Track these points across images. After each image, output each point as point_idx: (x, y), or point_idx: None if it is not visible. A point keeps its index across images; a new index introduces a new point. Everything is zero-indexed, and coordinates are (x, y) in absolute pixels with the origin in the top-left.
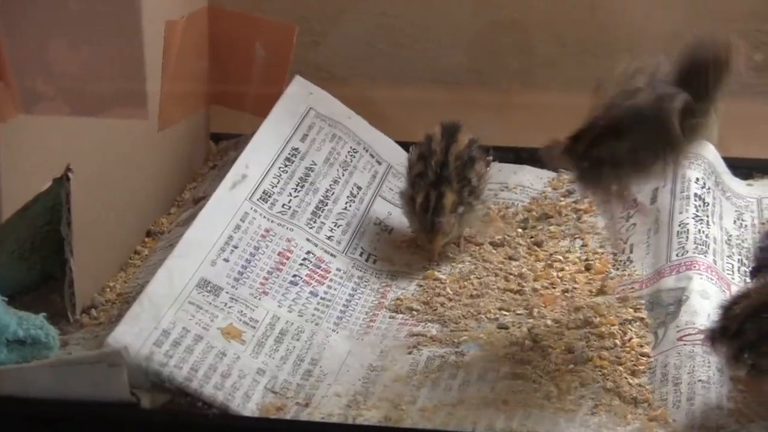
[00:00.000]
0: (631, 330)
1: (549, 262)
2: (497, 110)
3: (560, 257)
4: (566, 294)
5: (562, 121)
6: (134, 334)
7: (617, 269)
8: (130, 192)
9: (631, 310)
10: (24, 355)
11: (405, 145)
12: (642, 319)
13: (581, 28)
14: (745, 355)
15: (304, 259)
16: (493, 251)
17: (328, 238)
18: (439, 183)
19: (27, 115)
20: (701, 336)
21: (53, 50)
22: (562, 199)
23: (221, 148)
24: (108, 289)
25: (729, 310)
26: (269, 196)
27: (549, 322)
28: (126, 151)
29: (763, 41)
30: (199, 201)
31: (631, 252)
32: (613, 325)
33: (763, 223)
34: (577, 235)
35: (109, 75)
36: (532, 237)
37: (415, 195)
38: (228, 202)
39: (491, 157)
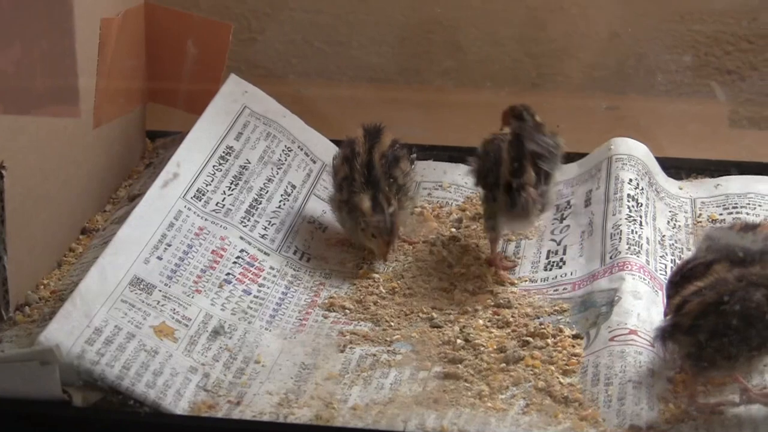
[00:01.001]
0: (563, 331)
1: (482, 262)
2: (431, 108)
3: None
4: (498, 294)
5: (495, 119)
6: (66, 332)
7: (550, 270)
8: (66, 189)
9: (563, 310)
10: None
11: (339, 144)
12: (571, 322)
13: (515, 26)
14: (699, 350)
15: (238, 257)
16: (427, 250)
17: (262, 236)
18: (373, 186)
19: None
20: (632, 336)
21: None
22: None
23: (157, 145)
24: (42, 287)
25: (680, 307)
26: (203, 195)
27: (480, 321)
28: (61, 148)
29: (695, 41)
30: (135, 198)
31: (564, 254)
32: (545, 326)
33: (696, 224)
34: (509, 237)
35: (41, 73)
36: (465, 237)
37: (348, 199)
38: (161, 200)
39: (414, 155)
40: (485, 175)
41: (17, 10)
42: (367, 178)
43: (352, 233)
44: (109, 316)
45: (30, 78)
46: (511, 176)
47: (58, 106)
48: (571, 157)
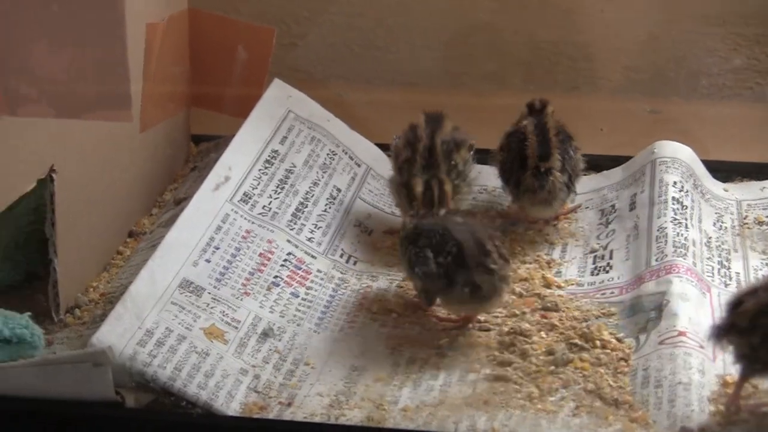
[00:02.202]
0: (611, 334)
1: (528, 265)
2: (473, 112)
3: (539, 261)
4: (545, 297)
5: None
6: (118, 334)
7: (597, 275)
8: (113, 193)
9: (611, 314)
10: (9, 354)
11: (383, 147)
12: (620, 325)
13: (555, 30)
14: (753, 351)
15: (285, 260)
16: None
17: (309, 239)
18: (431, 170)
19: (11, 117)
20: (681, 338)
21: (38, 52)
22: None
23: (201, 149)
24: (91, 289)
25: (737, 306)
26: (249, 198)
27: (528, 324)
28: (109, 153)
29: (740, 44)
30: (180, 202)
31: (611, 258)
32: (593, 330)
33: (743, 225)
34: (555, 241)
35: (93, 77)
36: (511, 241)
37: (408, 182)
38: (209, 204)
39: (474, 143)
40: (510, 165)
41: (69, 16)
42: (428, 161)
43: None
44: (160, 318)
45: (82, 82)
46: (539, 160)
47: (109, 111)
48: (614, 161)
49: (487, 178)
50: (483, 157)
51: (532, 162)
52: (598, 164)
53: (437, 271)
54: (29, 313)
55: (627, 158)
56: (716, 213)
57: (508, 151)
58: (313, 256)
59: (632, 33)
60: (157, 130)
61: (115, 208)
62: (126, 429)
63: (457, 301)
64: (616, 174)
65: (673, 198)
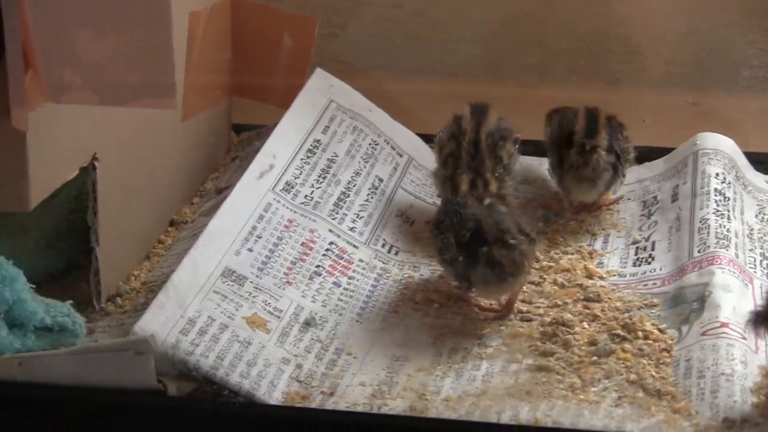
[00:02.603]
0: (654, 325)
1: (570, 256)
2: (515, 103)
3: (581, 252)
4: (587, 288)
5: None
6: (160, 322)
7: (639, 266)
8: (155, 182)
9: (653, 305)
10: (51, 342)
11: (424, 138)
12: (662, 316)
13: (597, 21)
14: None
15: (327, 249)
16: None
17: (351, 229)
18: (476, 166)
19: (55, 104)
20: (724, 329)
21: (82, 39)
22: None
23: (242, 138)
24: (133, 278)
25: None
26: (292, 187)
27: (570, 315)
28: (151, 141)
29: None
30: (222, 191)
31: (653, 249)
32: (636, 320)
33: None
34: (596, 232)
35: (138, 65)
36: (553, 231)
37: (453, 176)
38: (252, 192)
39: (519, 135)
40: (558, 140)
41: (115, 2)
42: (473, 156)
43: None
44: (202, 307)
45: (127, 70)
46: (585, 137)
47: (154, 98)
48: (656, 152)
49: (530, 170)
50: (527, 148)
51: (579, 139)
52: (640, 155)
53: (458, 251)
54: (71, 302)
55: (669, 150)
56: (758, 205)
57: (557, 125)
58: (355, 246)
59: (673, 25)
60: (199, 119)
61: (157, 197)
62: (168, 417)
63: (482, 282)
64: (658, 165)
65: (716, 189)
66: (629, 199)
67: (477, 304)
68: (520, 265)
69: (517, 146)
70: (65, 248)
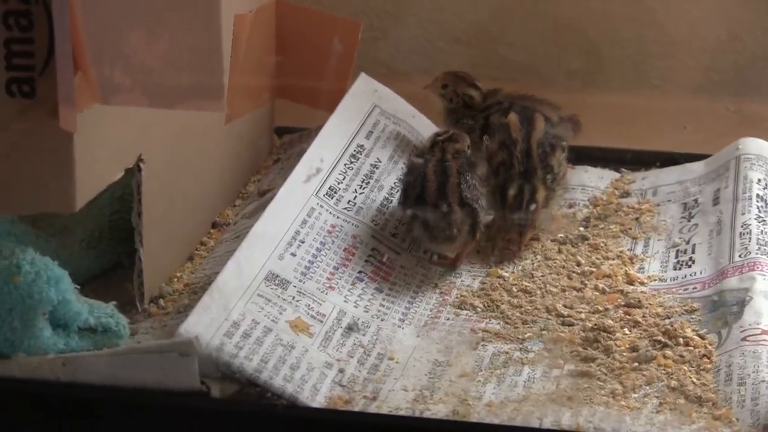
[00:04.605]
0: (694, 330)
1: (611, 261)
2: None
3: (621, 257)
4: (628, 294)
5: (622, 120)
6: (205, 324)
7: (679, 269)
8: (198, 183)
9: (693, 310)
10: (95, 343)
11: None
12: (702, 321)
13: (637, 27)
14: None
15: (370, 255)
16: (556, 249)
17: (393, 235)
18: (529, 175)
19: (103, 105)
20: (764, 336)
21: (131, 40)
22: (622, 199)
23: (284, 141)
24: (175, 279)
25: None
26: (335, 192)
27: (611, 321)
28: (195, 143)
29: None
30: (264, 194)
31: (693, 252)
32: (677, 326)
33: None
34: (637, 235)
35: (187, 67)
36: (594, 236)
37: (504, 185)
38: (296, 197)
39: (566, 143)
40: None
41: (165, 4)
42: (525, 166)
43: (499, 219)
44: (246, 310)
45: (175, 72)
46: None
47: (202, 100)
48: (697, 159)
49: (570, 175)
50: (568, 154)
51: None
52: (680, 162)
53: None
54: (114, 302)
55: (709, 156)
56: None
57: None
58: (397, 252)
59: (714, 32)
60: (243, 122)
61: (200, 199)
62: (212, 419)
63: (422, 238)
64: (698, 168)
65: (758, 195)
66: (669, 200)
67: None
68: (452, 230)
69: (565, 153)
70: (108, 249)
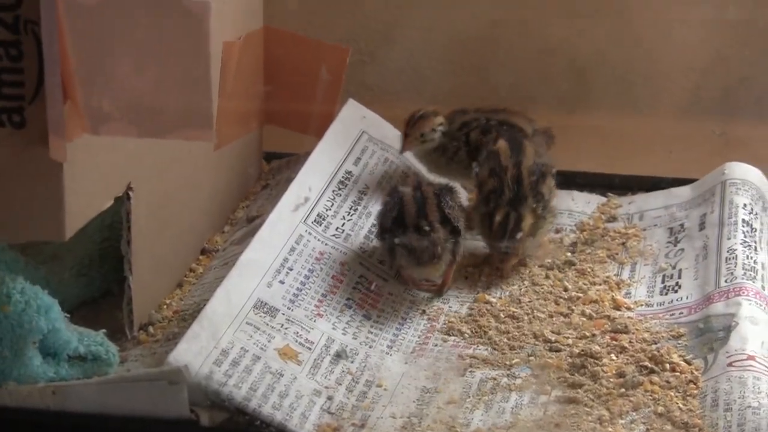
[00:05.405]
0: (681, 356)
1: (598, 286)
2: None
3: (608, 282)
4: (615, 320)
5: (609, 144)
6: (194, 352)
7: (666, 294)
8: (187, 211)
9: (680, 335)
10: (85, 371)
11: None
12: (689, 346)
13: (624, 50)
14: None
15: (357, 282)
16: (543, 275)
17: (380, 262)
18: (518, 202)
19: (93, 135)
20: (750, 362)
21: (121, 71)
22: (609, 224)
23: (273, 167)
24: (165, 306)
25: None
26: (323, 219)
27: (598, 347)
28: (184, 171)
29: None
30: (253, 220)
31: (679, 277)
32: (663, 352)
33: None
34: (624, 260)
35: (176, 97)
36: (581, 261)
37: (492, 213)
38: (284, 224)
39: (555, 169)
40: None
41: (154, 34)
42: (516, 192)
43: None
44: (235, 338)
45: (164, 102)
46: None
47: (191, 130)
48: (683, 183)
49: (557, 200)
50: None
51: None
52: (666, 187)
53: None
54: (104, 330)
55: (695, 180)
56: None
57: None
58: (384, 279)
59: (701, 54)
60: (231, 148)
61: (189, 226)
62: None
63: (405, 264)
64: (684, 192)
65: (743, 220)
66: (655, 225)
67: (414, 282)
68: (434, 252)
69: (554, 180)
70: (97, 276)
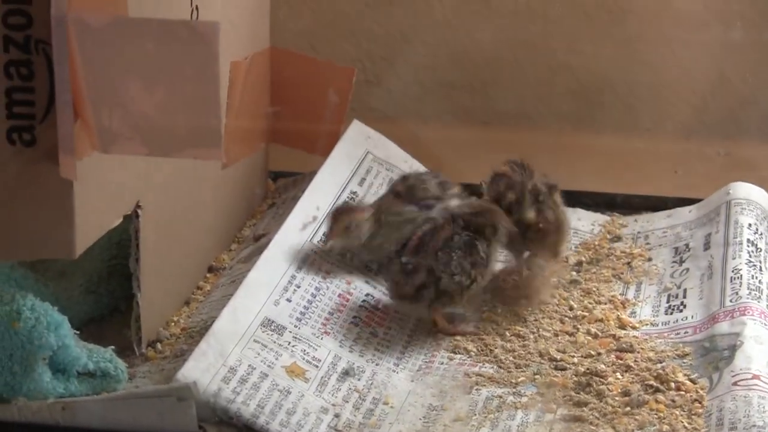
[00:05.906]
0: (686, 375)
1: (603, 306)
2: (549, 152)
3: (614, 301)
4: (620, 339)
5: (613, 163)
6: (202, 370)
7: (671, 314)
8: (195, 228)
9: (685, 354)
10: (94, 387)
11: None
12: (694, 365)
13: (629, 71)
14: None
15: (364, 300)
16: (548, 294)
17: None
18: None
19: (103, 153)
20: (755, 381)
21: (131, 90)
22: (614, 243)
23: (279, 186)
24: (172, 324)
25: None
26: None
27: (603, 366)
28: (192, 189)
29: None
30: (260, 238)
31: (684, 297)
32: (668, 371)
33: None
34: (629, 280)
35: (186, 115)
36: (586, 280)
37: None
38: (291, 243)
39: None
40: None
41: (164, 53)
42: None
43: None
44: (243, 356)
45: (174, 120)
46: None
47: (200, 149)
48: (687, 203)
49: None
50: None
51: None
52: (671, 206)
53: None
54: (113, 347)
55: (700, 200)
56: None
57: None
58: (391, 298)
59: (705, 74)
60: (238, 167)
61: (196, 244)
62: None
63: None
64: (689, 212)
65: (748, 240)
66: (661, 245)
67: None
68: (455, 295)
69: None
70: (106, 294)
